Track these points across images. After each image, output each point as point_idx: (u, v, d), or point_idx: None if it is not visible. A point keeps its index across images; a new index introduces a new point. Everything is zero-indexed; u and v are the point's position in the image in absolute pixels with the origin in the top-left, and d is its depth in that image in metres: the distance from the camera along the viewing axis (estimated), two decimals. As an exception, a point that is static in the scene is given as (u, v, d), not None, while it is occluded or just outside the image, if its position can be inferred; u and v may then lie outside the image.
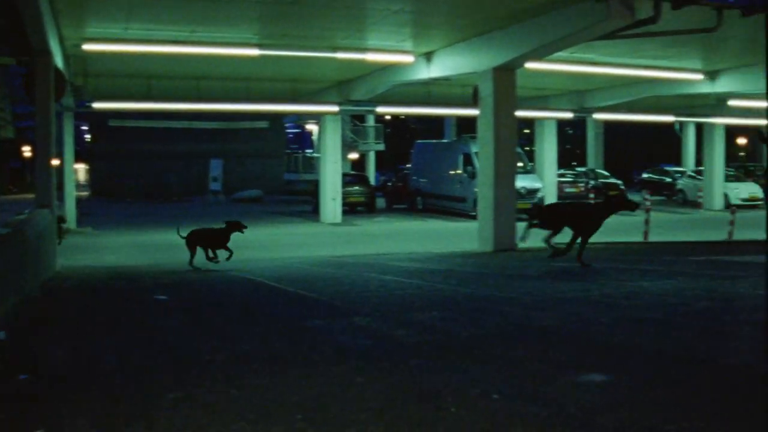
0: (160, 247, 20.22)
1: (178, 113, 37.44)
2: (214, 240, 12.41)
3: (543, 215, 10.71)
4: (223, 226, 12.49)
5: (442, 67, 18.30)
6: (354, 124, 40.99)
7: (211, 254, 12.43)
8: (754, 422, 2.95)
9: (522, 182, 24.86)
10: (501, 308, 6.54)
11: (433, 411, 3.33)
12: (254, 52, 17.64)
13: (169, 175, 47.05)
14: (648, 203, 20.39)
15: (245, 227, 12.57)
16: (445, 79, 20.35)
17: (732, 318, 5.45)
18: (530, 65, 17.19)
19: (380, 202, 35.22)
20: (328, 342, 5.43)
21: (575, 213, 10.75)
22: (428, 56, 18.56)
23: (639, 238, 18.62)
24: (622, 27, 13.64)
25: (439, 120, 48.96)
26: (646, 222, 18.82)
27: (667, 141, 48.77)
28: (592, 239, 10.26)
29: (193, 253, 12.41)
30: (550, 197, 29.63)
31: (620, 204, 10.40)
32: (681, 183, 36.02)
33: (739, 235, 18.18)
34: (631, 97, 26.53)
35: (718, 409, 3.15)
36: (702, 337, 4.75)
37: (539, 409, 3.25)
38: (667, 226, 23.40)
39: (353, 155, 41.03)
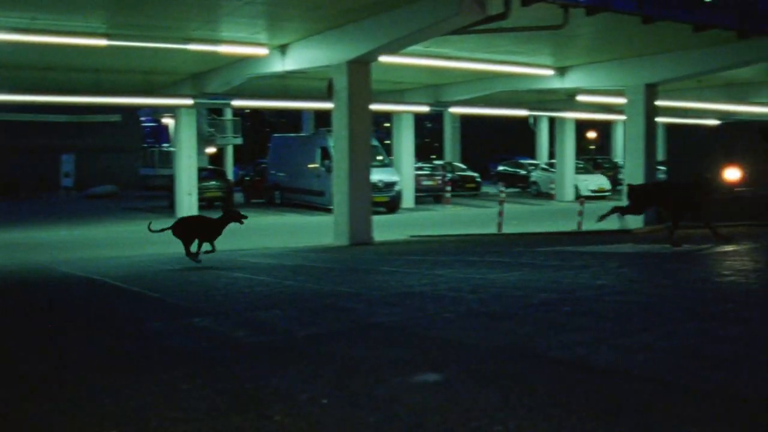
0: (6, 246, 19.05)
1: (24, 105, 35.47)
2: (206, 230, 11.06)
3: (638, 196, 10.77)
4: (220, 215, 11.27)
5: (297, 60, 18.07)
6: (212, 117, 40.08)
7: (207, 247, 11.13)
8: (582, 416, 2.91)
9: (379, 175, 24.99)
10: (346, 305, 6.40)
11: (256, 420, 3.13)
12: (102, 42, 16.84)
13: (16, 171, 44.49)
14: (503, 195, 20.93)
15: (245, 217, 11.35)
16: (301, 73, 20.14)
17: (571, 309, 5.52)
18: (385, 59, 17.23)
19: (238, 197, 34.61)
20: (162, 346, 5.12)
21: (668, 192, 10.85)
22: (283, 49, 18.28)
23: (494, 230, 19.07)
24: (474, 22, 13.84)
25: (298, 114, 48.63)
26: (500, 213, 19.29)
27: (522, 134, 50.48)
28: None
29: (188, 244, 11.02)
30: (408, 190, 29.98)
31: (710, 184, 10.51)
32: (534, 175, 37.31)
33: (588, 225, 18.92)
34: (486, 91, 27.17)
35: (546, 405, 3.10)
36: (540, 330, 4.75)
37: (368, 414, 3.11)
38: (522, 218, 24.12)
39: (211, 149, 40.13)
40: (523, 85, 25.90)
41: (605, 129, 50.85)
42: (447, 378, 3.64)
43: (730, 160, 15.32)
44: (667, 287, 6.57)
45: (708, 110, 31.25)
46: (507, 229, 18.98)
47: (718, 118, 31.54)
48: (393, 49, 16.29)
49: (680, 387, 3.30)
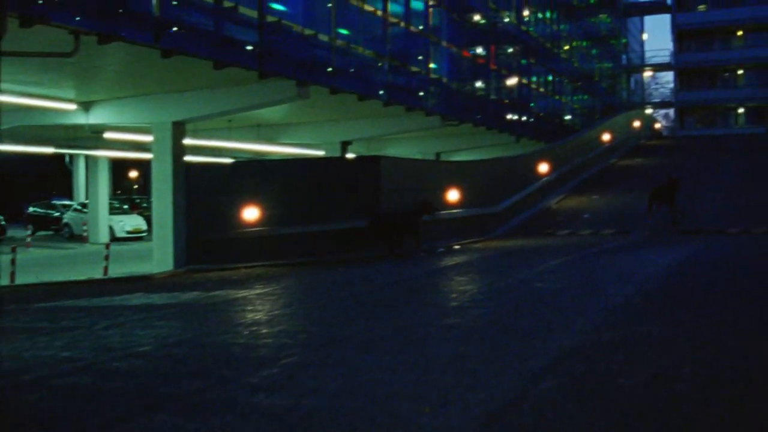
0: None
1: None
2: (404, 226, 11.80)
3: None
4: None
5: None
6: None
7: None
8: None
9: None
10: None
11: None
12: None
13: None
14: (29, 239, 18.60)
15: (437, 210, 12.11)
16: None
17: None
18: None
19: None
20: None
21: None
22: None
23: (6, 281, 16.72)
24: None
25: None
26: (13, 262, 17.02)
27: (61, 173, 47.05)
28: None
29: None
30: None
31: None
32: (67, 217, 34.72)
33: (123, 268, 17.68)
34: (5, 125, 24.28)
35: None
36: None
37: None
38: (46, 264, 21.84)
39: None
40: (47, 120, 23.61)
41: (147, 168, 49.74)
42: None
43: (246, 199, 15.37)
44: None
45: (240, 150, 31.89)
46: (24, 279, 16.78)
47: (236, 157, 32.32)
48: None
49: None
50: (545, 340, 5.94)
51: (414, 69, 28.05)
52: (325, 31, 22.31)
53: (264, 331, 6.44)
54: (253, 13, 19.51)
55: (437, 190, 17.28)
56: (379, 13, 25.33)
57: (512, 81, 39.46)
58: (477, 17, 33.76)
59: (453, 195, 17.11)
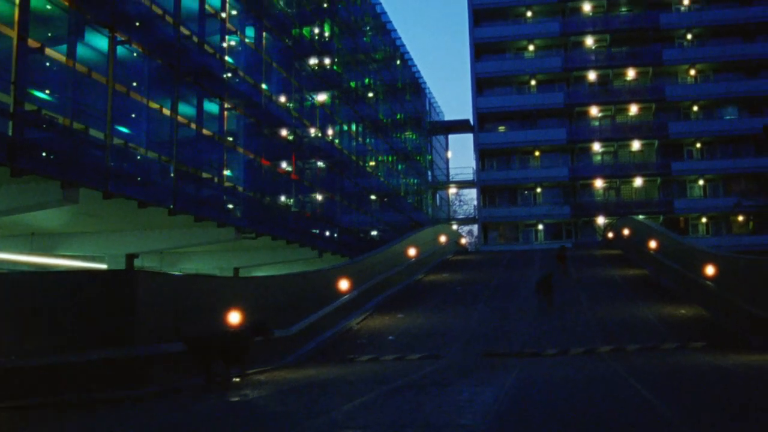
0: None
1: None
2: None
3: None
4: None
5: None
6: None
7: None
8: None
9: None
10: None
11: None
12: None
13: None
14: None
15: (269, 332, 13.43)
16: None
17: None
18: None
19: None
20: None
21: None
22: None
23: None
24: None
25: None
26: None
27: None
28: None
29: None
30: None
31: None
32: None
33: None
34: None
35: None
36: None
37: None
38: None
39: None
40: None
41: None
42: None
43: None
44: None
45: (8, 261, 27.80)
46: None
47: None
48: None
49: None
50: None
51: (206, 175, 25.64)
52: (99, 127, 19.59)
53: None
54: (7, 98, 16.63)
55: (219, 311, 14.66)
56: (167, 112, 22.93)
57: (315, 193, 37.90)
58: (279, 125, 32.07)
59: (234, 317, 14.54)
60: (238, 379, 13.46)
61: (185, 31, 24.12)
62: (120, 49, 20.67)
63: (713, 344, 17.34)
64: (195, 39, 24.89)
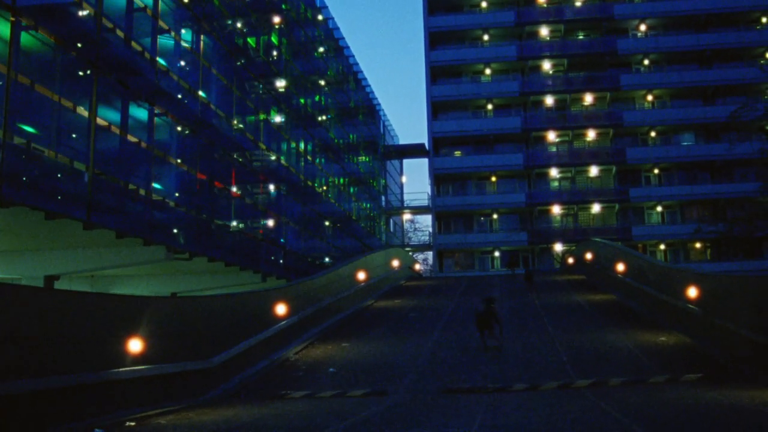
0: None
1: None
2: None
3: None
4: None
5: None
6: None
7: None
8: None
9: None
10: None
11: None
12: None
13: None
14: None
15: None
16: None
17: None
18: None
19: None
20: None
21: None
22: None
23: None
24: None
25: None
26: None
27: None
28: None
29: None
30: None
31: None
32: None
33: None
34: None
35: None
36: None
37: None
38: None
39: None
40: None
41: None
42: None
43: None
44: None
45: None
46: None
47: None
48: None
49: None
50: None
51: (130, 186, 22.85)
52: (-5, 124, 16.80)
53: None
54: None
55: (113, 338, 11.90)
56: (83, 111, 20.19)
57: (260, 214, 35.24)
58: (219, 138, 29.35)
59: (135, 345, 11.82)
60: (133, 423, 10.71)
61: (108, 24, 21.46)
62: (24, 36, 17.98)
63: (710, 377, 14.99)
64: (120, 33, 22.22)
